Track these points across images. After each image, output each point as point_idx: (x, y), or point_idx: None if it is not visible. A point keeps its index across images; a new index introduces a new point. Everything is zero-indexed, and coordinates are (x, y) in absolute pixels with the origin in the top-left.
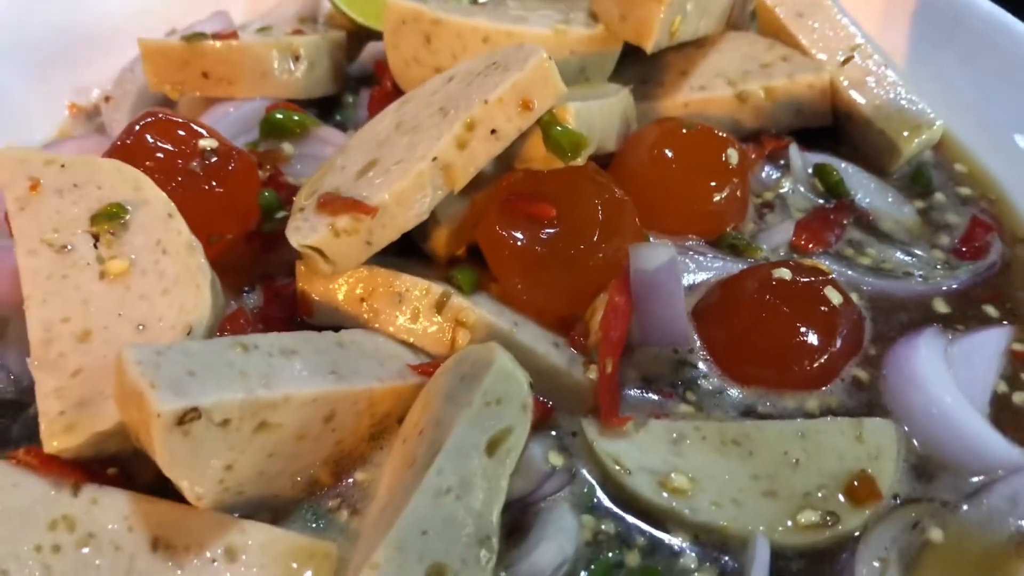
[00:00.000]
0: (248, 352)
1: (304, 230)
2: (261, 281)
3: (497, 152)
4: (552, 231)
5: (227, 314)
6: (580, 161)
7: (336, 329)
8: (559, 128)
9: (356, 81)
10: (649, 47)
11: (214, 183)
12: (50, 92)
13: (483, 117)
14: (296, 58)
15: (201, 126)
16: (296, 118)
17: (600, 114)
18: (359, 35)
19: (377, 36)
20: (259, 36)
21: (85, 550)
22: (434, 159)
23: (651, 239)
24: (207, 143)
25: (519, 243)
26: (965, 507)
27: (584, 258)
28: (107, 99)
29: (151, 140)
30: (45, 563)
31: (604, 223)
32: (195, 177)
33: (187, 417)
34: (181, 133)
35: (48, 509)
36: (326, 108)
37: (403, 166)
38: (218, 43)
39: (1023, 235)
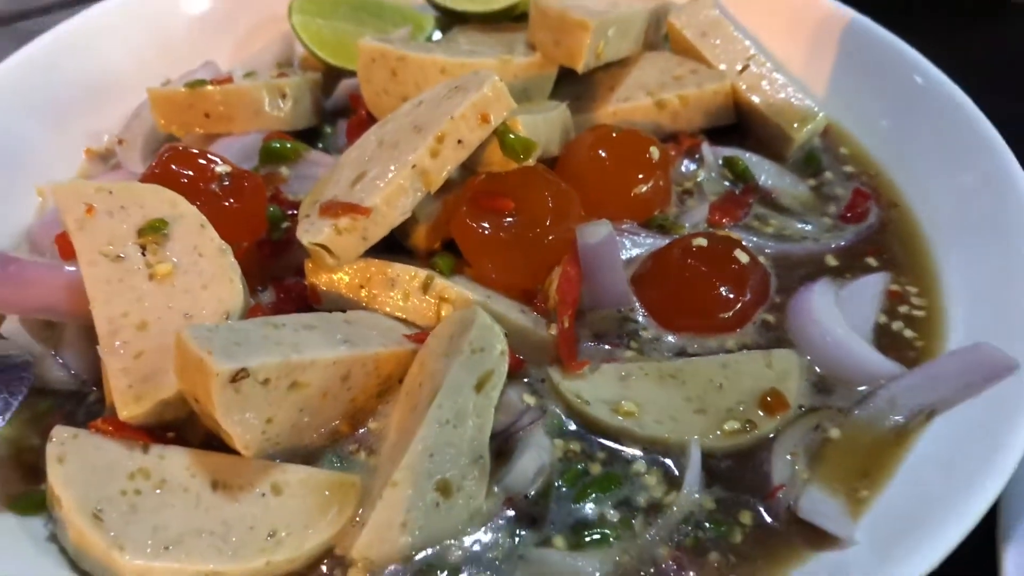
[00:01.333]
0: (278, 328)
1: (312, 231)
2: (272, 282)
3: (464, 158)
4: (512, 220)
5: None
6: (531, 162)
7: (343, 311)
8: (512, 136)
9: (332, 114)
10: (580, 68)
11: (231, 200)
12: (67, 139)
13: (450, 130)
14: (283, 96)
15: (214, 155)
16: (289, 145)
17: (544, 124)
18: (331, 74)
19: (347, 74)
20: (248, 80)
21: (159, 491)
22: (413, 166)
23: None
24: (222, 168)
25: (485, 231)
26: (855, 411)
27: (539, 239)
28: (120, 141)
29: (176, 168)
30: (131, 503)
31: (554, 211)
32: (215, 196)
33: (238, 376)
34: (201, 161)
35: (126, 464)
36: (309, 137)
37: (388, 175)
38: (216, 88)
39: (896, 201)
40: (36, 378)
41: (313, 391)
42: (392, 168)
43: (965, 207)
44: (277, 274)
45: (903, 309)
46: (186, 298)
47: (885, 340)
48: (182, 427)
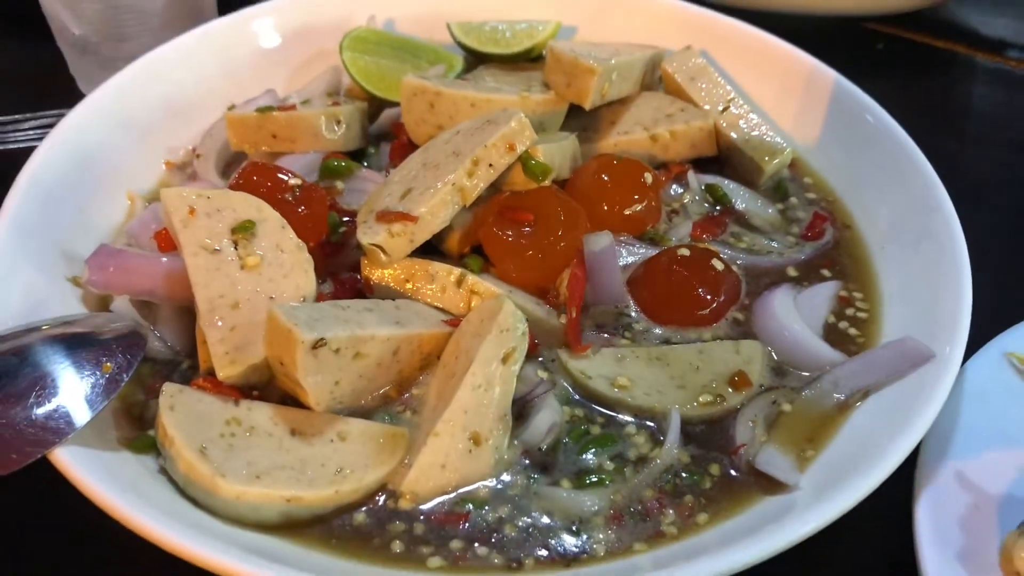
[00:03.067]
0: (344, 310)
1: (370, 234)
2: (330, 276)
3: (493, 178)
4: (530, 230)
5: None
6: (547, 183)
7: (392, 299)
8: (533, 161)
9: (376, 137)
10: (587, 106)
11: (302, 207)
12: (149, 152)
13: (483, 156)
14: (338, 122)
15: (286, 171)
16: (344, 164)
17: (558, 152)
18: (374, 103)
19: (389, 104)
20: (307, 107)
21: (249, 435)
22: (453, 184)
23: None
24: (294, 181)
25: (509, 238)
26: (805, 390)
27: (552, 246)
28: (197, 156)
29: (257, 179)
30: (228, 443)
31: (565, 223)
32: (288, 203)
33: (318, 344)
34: (277, 175)
35: (222, 413)
36: (357, 157)
37: (432, 190)
38: (282, 114)
39: (849, 223)
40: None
41: (371, 361)
42: (436, 185)
43: (902, 228)
44: (334, 270)
45: (849, 311)
46: (270, 284)
47: (833, 336)
48: (264, 389)
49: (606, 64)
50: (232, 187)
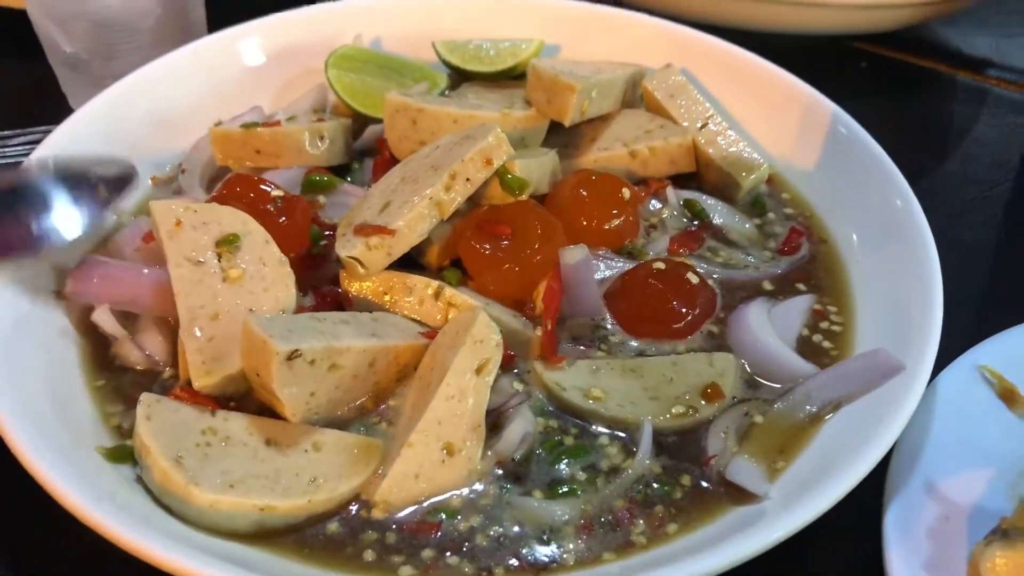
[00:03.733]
0: (321, 321)
1: (348, 247)
2: (311, 288)
3: (470, 192)
4: (507, 243)
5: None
6: (524, 197)
7: (370, 312)
8: (510, 176)
9: (360, 153)
10: (567, 122)
11: (283, 218)
12: (137, 167)
13: (460, 170)
14: (321, 138)
15: (269, 182)
16: (327, 179)
17: (536, 168)
18: (359, 120)
19: (373, 120)
20: (292, 123)
21: (224, 444)
22: (430, 198)
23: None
24: (277, 192)
25: (486, 251)
26: (778, 402)
27: (529, 259)
28: (183, 171)
29: (240, 190)
30: (203, 452)
31: (541, 237)
32: (270, 214)
33: (293, 355)
34: (261, 187)
35: (198, 423)
36: (341, 173)
37: (410, 204)
38: (267, 129)
39: (825, 238)
40: (118, 357)
41: (347, 372)
42: (413, 199)
43: (876, 242)
44: (315, 283)
45: (823, 325)
46: (251, 297)
47: (807, 348)
48: (241, 399)
49: (586, 81)
50: (216, 198)
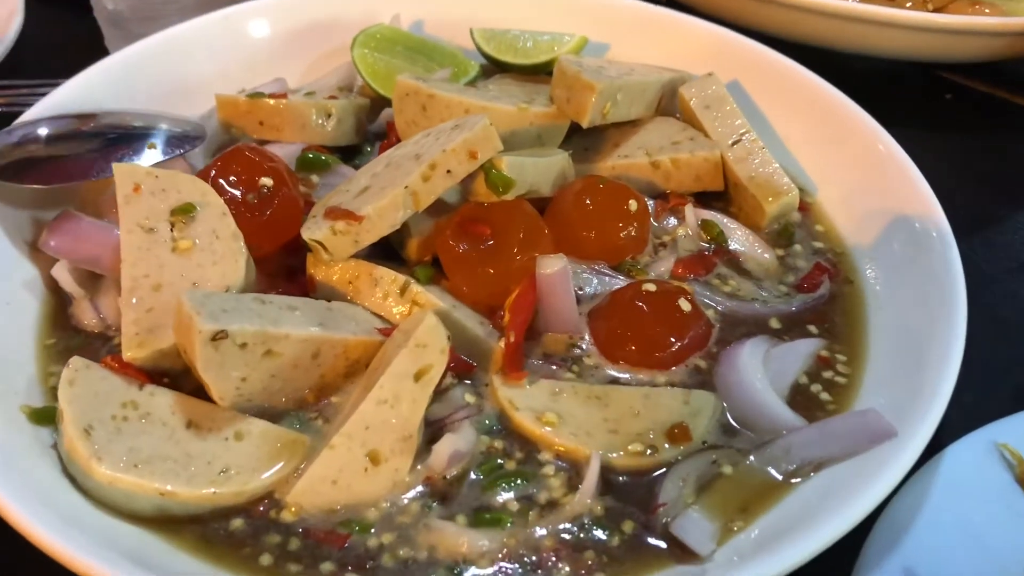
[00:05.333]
0: (264, 304)
1: (313, 229)
2: (286, 274)
3: (450, 186)
4: (486, 244)
5: (261, 290)
6: (509, 197)
7: (330, 300)
8: (494, 172)
9: (375, 136)
10: (585, 123)
11: (259, 213)
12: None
13: (441, 161)
14: (328, 115)
15: (272, 159)
16: (324, 158)
17: (533, 167)
18: (381, 102)
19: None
20: (305, 98)
21: (143, 421)
22: (406, 187)
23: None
24: (266, 181)
25: (462, 251)
26: (752, 454)
27: (506, 263)
28: None
29: (228, 168)
30: (117, 426)
31: (522, 241)
32: (249, 206)
33: (218, 336)
34: (253, 165)
35: (121, 395)
36: (350, 154)
37: (384, 191)
38: (273, 101)
39: (852, 278)
40: (73, 317)
41: (285, 361)
42: (388, 186)
43: (903, 291)
44: (293, 267)
45: (827, 374)
46: (198, 271)
47: (801, 398)
48: (177, 377)
49: (609, 83)
50: (209, 169)
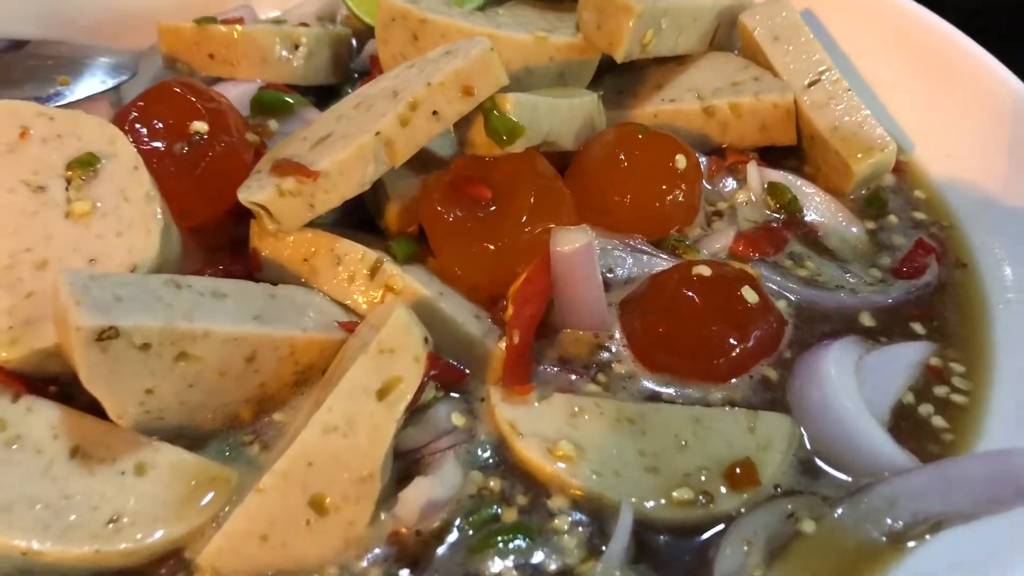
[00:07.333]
0: (180, 290)
1: (253, 188)
2: (230, 247)
3: (438, 132)
4: (487, 210)
5: (196, 268)
6: (516, 148)
7: (280, 283)
8: (497, 114)
9: (362, 75)
10: (619, 56)
11: (190, 167)
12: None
13: (425, 98)
14: (296, 47)
15: (212, 97)
16: (288, 99)
17: (550, 111)
18: (368, 34)
19: None
20: (268, 25)
21: (14, 447)
22: (377, 134)
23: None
24: (199, 126)
25: (454, 219)
26: (844, 505)
27: (510, 237)
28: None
29: (151, 109)
30: None
31: (534, 208)
32: (176, 158)
33: (105, 335)
34: (184, 106)
35: None
36: (326, 96)
37: (349, 139)
38: (226, 28)
39: (965, 260)
40: None
41: (207, 367)
42: (354, 133)
43: None
44: (237, 238)
45: (940, 391)
46: (97, 243)
47: (906, 425)
48: (70, 385)
49: (651, 4)
50: (126, 111)
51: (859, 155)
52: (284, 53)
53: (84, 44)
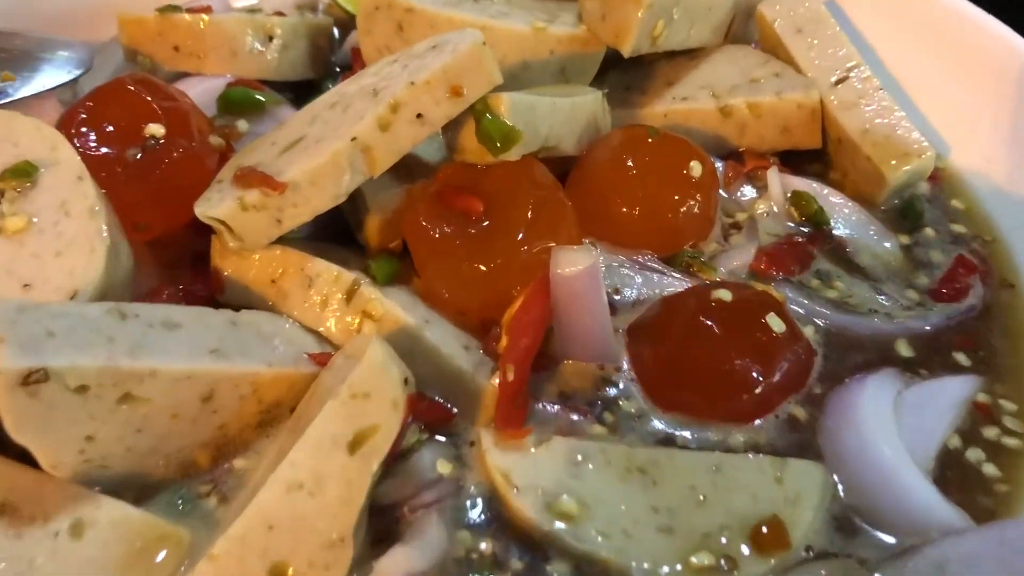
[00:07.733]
0: (125, 320)
1: (213, 201)
2: (194, 258)
3: (423, 137)
4: (478, 225)
5: (151, 287)
6: (512, 156)
7: (242, 308)
8: (490, 117)
9: (342, 69)
10: (627, 50)
11: (144, 176)
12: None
13: (408, 99)
14: (270, 38)
15: (171, 95)
16: (259, 96)
17: (550, 111)
18: (351, 25)
19: None
20: (240, 14)
21: None
22: (353, 139)
23: (594, 248)
24: (155, 129)
25: (440, 236)
26: (885, 569)
27: (504, 256)
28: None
29: (101, 109)
30: None
31: (532, 223)
32: (128, 166)
33: (32, 377)
34: (137, 106)
35: None
36: (304, 93)
37: (322, 144)
38: (191, 17)
39: (1013, 280)
40: None
41: (156, 409)
42: (329, 137)
43: None
44: (200, 255)
45: (990, 432)
46: (32, 264)
47: (954, 473)
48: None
49: None
50: (73, 112)
51: (893, 161)
52: (256, 45)
53: (42, 37)
